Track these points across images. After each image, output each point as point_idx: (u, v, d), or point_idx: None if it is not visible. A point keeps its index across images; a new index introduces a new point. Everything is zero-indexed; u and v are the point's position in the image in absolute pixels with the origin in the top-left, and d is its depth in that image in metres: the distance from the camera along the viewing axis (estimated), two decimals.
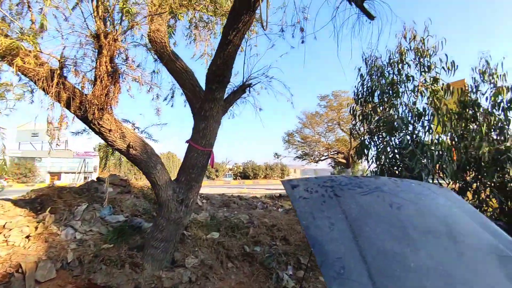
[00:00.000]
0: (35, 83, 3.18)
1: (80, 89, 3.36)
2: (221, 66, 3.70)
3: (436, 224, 1.88)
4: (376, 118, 4.99)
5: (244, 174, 48.40)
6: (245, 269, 4.80)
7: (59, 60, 3.17)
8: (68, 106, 3.28)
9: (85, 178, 45.13)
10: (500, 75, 5.19)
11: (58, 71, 3.08)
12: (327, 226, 1.58)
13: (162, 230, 4.14)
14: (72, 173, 46.42)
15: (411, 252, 1.58)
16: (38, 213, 4.73)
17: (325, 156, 49.17)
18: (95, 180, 6.11)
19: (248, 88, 4.42)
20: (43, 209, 4.85)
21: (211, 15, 6.12)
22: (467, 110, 5.28)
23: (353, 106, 5.34)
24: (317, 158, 49.41)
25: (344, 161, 46.63)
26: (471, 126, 5.33)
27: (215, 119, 4.07)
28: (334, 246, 1.48)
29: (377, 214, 1.75)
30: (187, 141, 4.19)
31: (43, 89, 3.08)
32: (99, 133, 3.62)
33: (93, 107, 3.33)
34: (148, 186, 6.70)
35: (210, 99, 3.92)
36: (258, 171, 47.28)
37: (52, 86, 3.00)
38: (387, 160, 4.73)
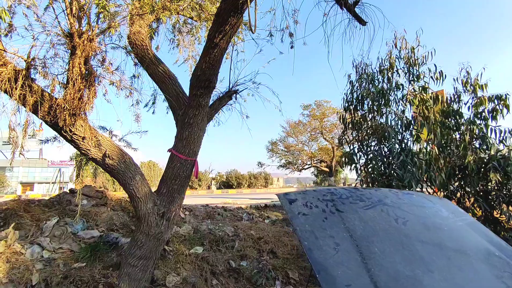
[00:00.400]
0: None
1: (50, 92, 3.04)
2: (206, 70, 3.50)
3: (444, 239, 1.74)
4: (366, 126, 4.93)
5: (227, 183, 47.79)
6: (231, 286, 4.51)
7: (25, 60, 2.86)
8: (35, 111, 2.95)
9: (60, 188, 42.86)
10: (482, 85, 5.30)
11: (24, 72, 2.77)
12: (332, 248, 1.39)
13: (141, 246, 3.80)
14: (47, 183, 44.20)
15: (424, 275, 1.41)
16: (0, 230, 4.26)
17: (308, 164, 49.58)
18: (68, 191, 5.66)
19: (234, 95, 4.23)
20: (6, 224, 4.39)
21: (196, 20, 5.95)
22: (449, 119, 5.34)
23: (343, 114, 5.26)
24: (301, 167, 49.73)
25: (327, 169, 47.17)
26: (453, 135, 5.38)
27: (200, 127, 3.83)
28: (342, 272, 1.30)
29: (384, 231, 1.58)
30: (169, 150, 3.92)
31: (5, 92, 2.75)
32: (71, 141, 3.29)
33: (64, 112, 3.02)
34: (126, 198, 6.30)
35: (195, 105, 3.69)
36: (241, 180, 46.80)
37: (16, 88, 2.68)
38: (376, 168, 4.64)
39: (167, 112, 4.69)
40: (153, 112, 4.90)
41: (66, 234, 4.48)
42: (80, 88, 2.99)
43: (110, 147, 3.53)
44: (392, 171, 4.64)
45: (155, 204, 3.79)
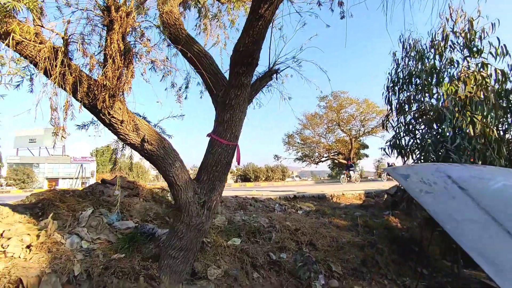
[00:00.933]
0: (35, 65, 2.66)
1: (88, 72, 2.84)
2: (249, 45, 3.20)
3: None
4: (414, 108, 4.50)
5: (244, 176, 47.69)
6: (273, 279, 4.28)
7: (62, 37, 2.65)
8: (74, 93, 2.76)
9: (82, 183, 44.48)
10: None
11: (63, 49, 2.57)
12: (480, 230, 1.08)
13: (181, 237, 3.61)
14: (70, 178, 45.68)
15: None
16: (39, 220, 4.18)
17: (325, 157, 48.70)
18: (100, 182, 5.56)
19: (275, 74, 3.92)
20: (44, 214, 4.31)
21: (223, 3, 5.67)
22: (502, 100, 4.81)
23: (387, 95, 4.84)
24: (317, 160, 48.93)
25: (345, 161, 46.13)
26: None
27: (241, 109, 3.56)
28: (504, 256, 1.00)
29: None
30: (208, 135, 3.67)
31: (45, 72, 2.55)
32: (109, 125, 3.09)
33: (104, 93, 2.81)
34: (157, 188, 6.16)
35: (236, 85, 3.41)
36: (259, 173, 46.57)
37: (56, 66, 2.48)
38: (430, 152, 4.23)
39: (201, 97, 4.45)
40: (185, 97, 4.67)
41: (102, 224, 4.36)
42: (119, 66, 2.77)
43: (149, 131, 3.32)
44: (447, 156, 4.21)
45: (195, 192, 3.57)
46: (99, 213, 4.60)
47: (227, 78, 3.77)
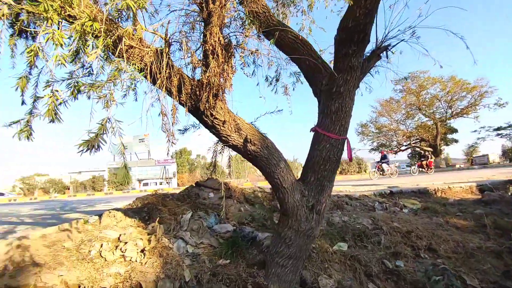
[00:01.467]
0: (140, 71, 2.60)
1: (191, 72, 2.68)
2: (361, 19, 2.66)
3: None
4: None
5: None
6: None
7: (164, 38, 2.52)
8: (179, 96, 2.63)
9: (167, 183, 49.40)
10: None
11: (167, 50, 2.43)
12: None
13: (289, 244, 3.28)
14: (157, 179, 51.01)
15: None
16: (147, 223, 4.37)
17: (406, 145, 44.00)
18: (194, 185, 5.67)
19: (385, 52, 3.27)
20: (150, 218, 4.50)
21: None
22: None
23: None
24: (396, 149, 44.56)
25: (429, 149, 40.85)
26: None
27: (351, 96, 3.03)
28: None
29: None
30: (313, 129, 3.25)
31: (151, 77, 2.46)
32: (212, 127, 2.92)
33: (206, 92, 2.62)
34: (247, 189, 6.04)
35: (345, 68, 2.91)
36: None
37: (162, 69, 2.35)
38: None
39: (293, 89, 4.04)
40: (275, 92, 4.33)
41: (203, 228, 4.34)
42: (222, 61, 2.53)
43: (250, 131, 3.06)
44: None
45: (303, 195, 3.19)
46: (198, 216, 4.61)
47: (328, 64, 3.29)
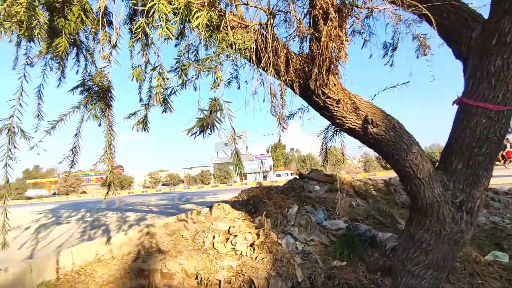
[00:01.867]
0: (240, 53, 2.38)
1: (299, 44, 2.33)
2: None
3: None
4: None
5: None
6: None
7: (267, 10, 2.24)
8: (286, 74, 2.31)
9: (264, 176, 51.53)
10: None
11: (271, 21, 2.14)
12: None
13: (428, 250, 2.58)
14: (254, 173, 53.80)
15: None
16: (253, 216, 4.30)
17: None
18: (298, 177, 5.37)
19: None
20: (257, 211, 4.42)
21: None
22: None
23: None
24: None
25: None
26: None
27: None
28: None
29: None
30: (456, 101, 2.45)
31: (255, 55, 2.21)
32: (324, 108, 2.50)
33: (316, 68, 2.21)
34: (358, 180, 5.37)
35: (508, 8, 2.04)
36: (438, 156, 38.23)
37: (268, 44, 2.07)
38: None
39: (417, 56, 3.24)
40: (391, 64, 3.58)
41: (312, 224, 3.98)
42: (336, 26, 2.07)
43: (371, 110, 2.50)
44: None
45: (446, 188, 2.44)
46: (304, 210, 4.28)
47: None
